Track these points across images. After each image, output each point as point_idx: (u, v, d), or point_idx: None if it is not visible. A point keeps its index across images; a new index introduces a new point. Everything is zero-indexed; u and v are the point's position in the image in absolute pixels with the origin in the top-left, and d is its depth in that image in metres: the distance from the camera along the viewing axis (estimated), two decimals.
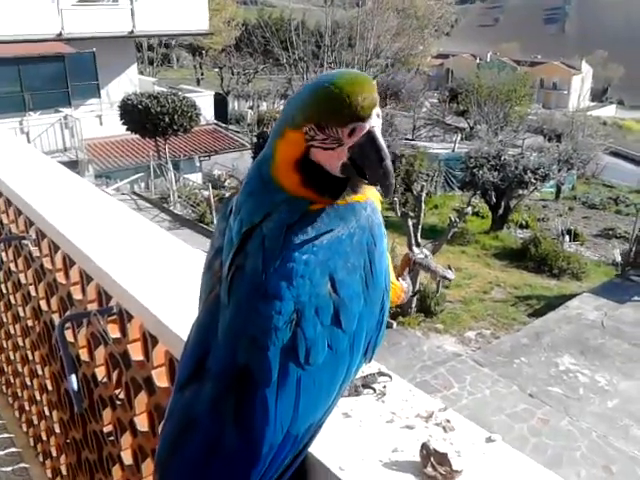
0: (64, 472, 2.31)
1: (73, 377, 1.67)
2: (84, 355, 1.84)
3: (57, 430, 2.31)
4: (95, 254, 1.64)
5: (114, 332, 1.59)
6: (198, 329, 0.93)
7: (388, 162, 0.84)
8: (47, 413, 2.41)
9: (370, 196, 0.92)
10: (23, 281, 2.36)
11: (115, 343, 1.60)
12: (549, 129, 29.73)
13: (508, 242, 17.82)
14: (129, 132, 17.32)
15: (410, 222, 11.73)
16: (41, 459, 2.64)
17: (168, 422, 0.91)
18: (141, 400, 1.53)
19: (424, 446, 0.90)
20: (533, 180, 17.73)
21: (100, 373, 1.76)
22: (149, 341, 1.43)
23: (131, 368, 1.54)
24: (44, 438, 2.54)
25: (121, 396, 1.64)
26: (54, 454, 2.43)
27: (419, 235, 12.00)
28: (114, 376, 1.67)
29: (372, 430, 0.99)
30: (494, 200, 18.76)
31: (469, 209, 14.69)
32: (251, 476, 0.85)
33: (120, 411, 1.66)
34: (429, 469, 0.89)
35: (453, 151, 24.88)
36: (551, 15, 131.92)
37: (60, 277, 1.93)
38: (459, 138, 28.30)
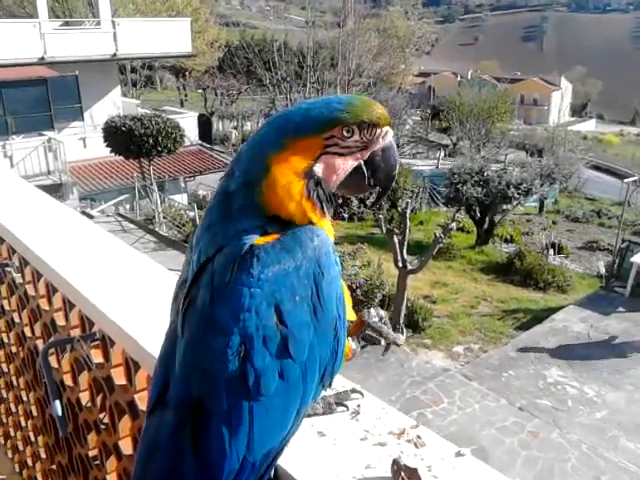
0: None
1: (57, 402, 1.68)
2: (68, 380, 1.85)
3: (43, 455, 2.31)
4: (77, 281, 1.66)
5: (97, 357, 1.61)
6: (161, 359, 0.96)
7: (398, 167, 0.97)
8: (32, 439, 2.41)
9: (323, 227, 0.94)
10: (7, 308, 2.37)
11: (98, 368, 1.61)
12: (531, 144, 30.14)
13: (493, 256, 17.93)
14: (113, 154, 17.29)
15: (396, 239, 11.78)
16: None
17: (139, 447, 0.95)
18: (125, 424, 1.54)
19: (395, 462, 0.93)
20: (516, 195, 17.91)
21: (84, 398, 1.77)
22: (131, 366, 1.45)
23: (115, 392, 1.55)
24: (30, 464, 2.53)
25: (105, 420, 1.65)
26: None
27: (405, 251, 12.04)
28: (98, 401, 1.68)
29: (346, 448, 1.02)
30: (478, 215, 18.92)
31: (453, 224, 14.78)
32: None
33: (105, 435, 1.67)
34: None
35: (437, 167, 25.13)
36: (529, 33, 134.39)
37: (43, 304, 1.94)
38: (442, 155, 28.61)
